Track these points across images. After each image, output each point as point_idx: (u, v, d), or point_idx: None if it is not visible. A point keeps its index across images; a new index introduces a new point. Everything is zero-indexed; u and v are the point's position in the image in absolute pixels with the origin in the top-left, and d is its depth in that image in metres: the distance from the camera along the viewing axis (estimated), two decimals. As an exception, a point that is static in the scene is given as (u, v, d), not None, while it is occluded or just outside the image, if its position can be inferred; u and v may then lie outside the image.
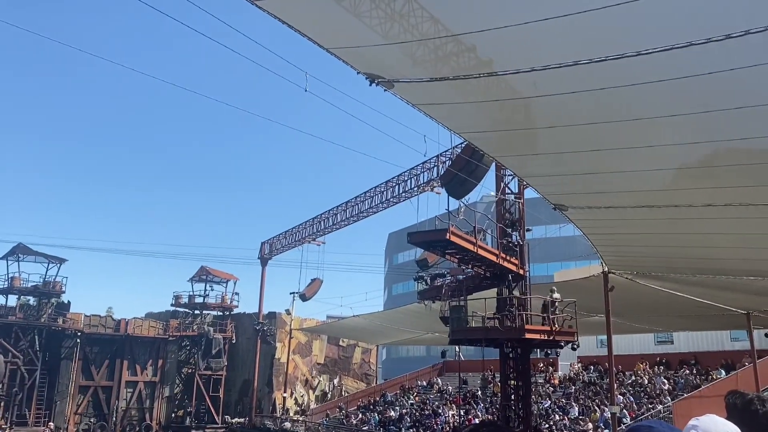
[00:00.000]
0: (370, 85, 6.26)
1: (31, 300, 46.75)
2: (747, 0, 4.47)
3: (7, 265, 44.71)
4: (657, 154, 7.42)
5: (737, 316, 19.77)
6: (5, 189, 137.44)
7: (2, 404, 41.58)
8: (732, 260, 12.34)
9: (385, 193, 37.10)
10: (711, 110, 5.99)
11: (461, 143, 23.27)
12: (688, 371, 29.98)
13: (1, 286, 44.52)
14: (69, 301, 47.68)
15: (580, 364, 35.57)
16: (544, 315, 19.93)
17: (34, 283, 45.22)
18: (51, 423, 40.84)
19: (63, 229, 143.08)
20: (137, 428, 46.34)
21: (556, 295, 20.32)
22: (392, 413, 37.37)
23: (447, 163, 29.52)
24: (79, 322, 46.59)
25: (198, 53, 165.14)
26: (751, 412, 2.72)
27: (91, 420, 45.38)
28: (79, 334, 45.61)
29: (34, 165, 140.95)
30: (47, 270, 45.82)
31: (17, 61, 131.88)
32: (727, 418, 2.36)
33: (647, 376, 30.64)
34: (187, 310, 51.93)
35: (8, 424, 41.07)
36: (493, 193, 23.42)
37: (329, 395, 51.11)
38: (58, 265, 46.01)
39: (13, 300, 45.34)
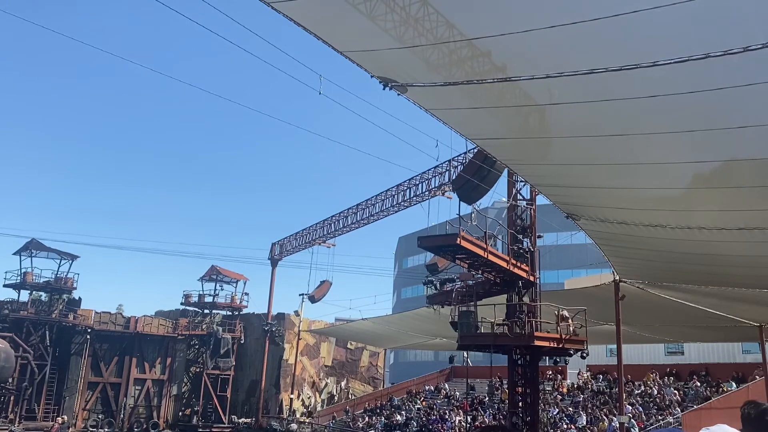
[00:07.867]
0: (384, 88, 6.25)
1: (43, 295, 47.11)
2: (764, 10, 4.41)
3: (20, 261, 45.11)
4: (671, 173, 7.33)
5: (749, 328, 19.57)
6: (19, 185, 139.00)
7: (12, 398, 41.88)
8: (745, 276, 12.21)
9: (396, 196, 37.09)
10: (726, 127, 5.90)
11: (473, 148, 23.21)
12: (698, 383, 29.71)
13: (14, 281, 44.90)
14: (80, 298, 47.98)
15: (588, 373, 35.33)
16: (557, 325, 19.80)
17: (46, 279, 45.50)
18: (63, 416, 40.83)
19: (75, 225, 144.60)
20: (144, 426, 46.49)
21: (564, 313, 20.10)
22: (399, 417, 37.29)
23: (459, 167, 29.48)
24: (90, 318, 46.87)
25: (207, 53, 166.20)
26: (765, 423, 2.70)
27: (99, 416, 45.59)
28: (89, 330, 45.88)
29: (48, 162, 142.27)
30: (59, 266, 46.14)
31: (30, 59, 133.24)
32: (742, 428, 2.33)
33: (657, 387, 30.39)
34: (196, 309, 52.07)
35: (17, 418, 41.37)
36: (504, 199, 23.33)
37: (336, 398, 51.09)
38: (70, 261, 46.33)
39: (25, 295, 45.73)
